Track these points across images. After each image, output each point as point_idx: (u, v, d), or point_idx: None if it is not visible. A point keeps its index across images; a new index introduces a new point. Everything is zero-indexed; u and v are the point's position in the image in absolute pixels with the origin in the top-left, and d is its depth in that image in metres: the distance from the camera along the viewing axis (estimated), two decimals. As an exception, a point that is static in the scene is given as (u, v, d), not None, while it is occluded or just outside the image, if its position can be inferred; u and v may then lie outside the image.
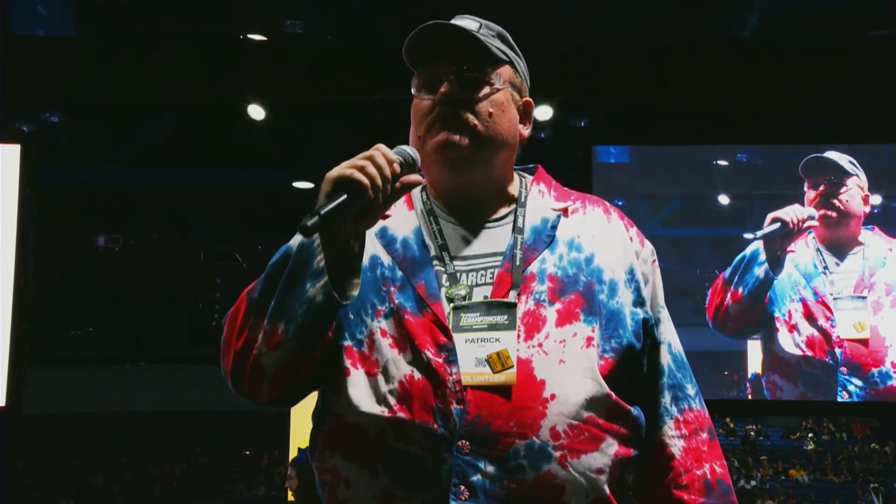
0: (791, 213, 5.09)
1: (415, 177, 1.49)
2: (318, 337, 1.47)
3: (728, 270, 5.22)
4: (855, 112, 6.86)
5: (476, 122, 1.56)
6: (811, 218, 5.08)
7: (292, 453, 6.01)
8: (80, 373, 14.95)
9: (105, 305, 14.75)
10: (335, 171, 1.41)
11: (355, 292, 1.46)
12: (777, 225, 5.07)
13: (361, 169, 1.41)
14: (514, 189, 1.66)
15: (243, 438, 16.65)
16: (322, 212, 1.36)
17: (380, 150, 1.45)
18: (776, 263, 5.07)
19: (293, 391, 1.53)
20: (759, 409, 8.90)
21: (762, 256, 5.06)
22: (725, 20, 7.10)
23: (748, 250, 5.15)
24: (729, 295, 5.16)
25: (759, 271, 5.06)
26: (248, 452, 16.66)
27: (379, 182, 1.41)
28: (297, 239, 1.44)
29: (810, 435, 16.54)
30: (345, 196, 1.39)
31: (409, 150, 1.52)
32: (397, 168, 1.45)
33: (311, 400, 1.61)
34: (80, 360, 15.19)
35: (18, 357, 5.06)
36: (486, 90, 1.58)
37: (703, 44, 6.74)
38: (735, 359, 5.63)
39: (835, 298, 5.06)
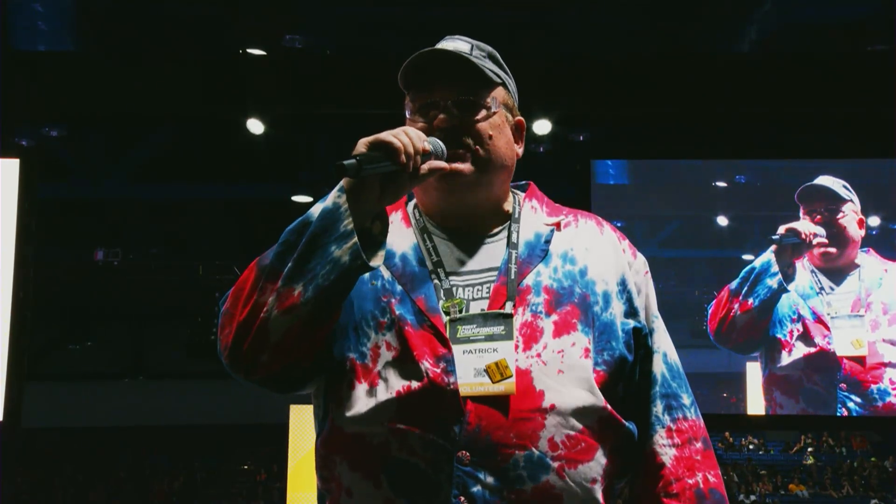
0: (803, 226, 5.09)
1: (442, 163, 1.52)
2: (334, 305, 1.46)
3: (736, 282, 5.16)
4: (854, 127, 6.88)
5: (476, 146, 1.57)
6: (820, 235, 5.06)
7: (290, 468, 5.98)
8: (79, 387, 14.91)
9: (104, 320, 14.73)
10: (369, 137, 1.44)
11: (380, 262, 1.46)
12: (791, 235, 5.05)
13: (394, 136, 1.44)
14: (508, 206, 1.66)
15: (242, 453, 16.60)
16: (359, 156, 1.39)
17: (410, 129, 1.49)
18: (787, 276, 5.04)
19: (290, 372, 1.49)
20: (754, 425, 8.86)
21: (774, 268, 5.02)
22: (724, 35, 7.12)
23: (758, 262, 5.11)
24: (737, 306, 5.10)
25: (773, 282, 5.01)
26: (247, 467, 16.60)
27: (410, 149, 1.44)
28: (317, 207, 1.45)
29: (810, 450, 16.48)
30: (379, 153, 1.42)
31: (439, 141, 1.54)
32: (428, 147, 1.48)
33: (309, 416, 1.60)
34: (79, 375, 15.15)
35: (17, 372, 5.06)
36: (484, 113, 1.59)
37: (702, 59, 6.75)
38: (733, 380, 5.61)
39: (832, 318, 5.04)
